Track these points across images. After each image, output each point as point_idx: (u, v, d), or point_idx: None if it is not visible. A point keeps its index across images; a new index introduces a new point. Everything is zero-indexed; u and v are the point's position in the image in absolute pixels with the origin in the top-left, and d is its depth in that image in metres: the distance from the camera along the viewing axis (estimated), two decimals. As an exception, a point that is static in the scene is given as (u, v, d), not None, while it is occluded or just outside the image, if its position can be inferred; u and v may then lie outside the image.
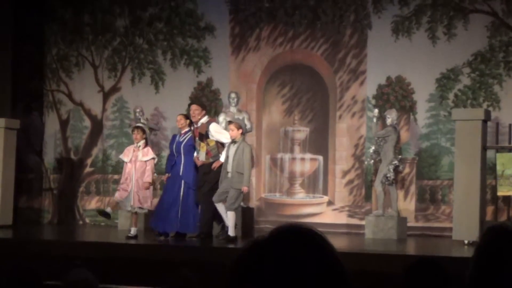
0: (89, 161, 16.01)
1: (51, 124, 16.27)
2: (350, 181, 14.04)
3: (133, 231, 11.95)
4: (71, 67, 16.24)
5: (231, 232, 11.27)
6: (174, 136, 12.45)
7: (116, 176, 15.71)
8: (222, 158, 11.66)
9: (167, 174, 12.28)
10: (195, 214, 11.91)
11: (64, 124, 16.22)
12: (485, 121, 11.92)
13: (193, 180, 12.00)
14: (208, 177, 11.71)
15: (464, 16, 13.44)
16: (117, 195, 12.36)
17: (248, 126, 13.46)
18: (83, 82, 16.12)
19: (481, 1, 13.35)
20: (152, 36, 15.67)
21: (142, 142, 12.29)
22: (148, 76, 15.61)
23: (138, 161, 12.16)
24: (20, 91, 15.93)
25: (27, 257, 9.20)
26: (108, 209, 12.78)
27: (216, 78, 15.08)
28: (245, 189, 11.42)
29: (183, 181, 11.95)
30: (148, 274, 9.25)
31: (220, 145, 11.82)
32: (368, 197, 13.89)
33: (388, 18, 13.94)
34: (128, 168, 12.26)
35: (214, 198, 11.49)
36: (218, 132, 11.86)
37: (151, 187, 12.26)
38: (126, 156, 12.36)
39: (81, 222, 15.82)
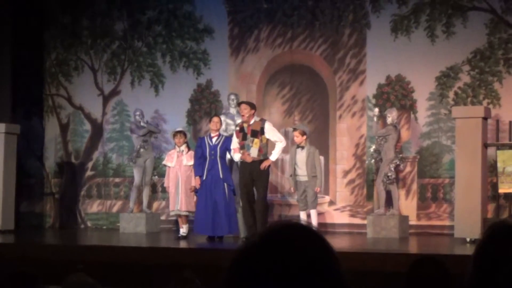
0: (90, 164, 15.99)
1: (51, 129, 16.26)
2: (352, 181, 14.03)
3: (185, 229, 12.27)
4: (70, 71, 16.23)
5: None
6: (202, 139, 12.30)
7: (117, 179, 15.72)
8: (272, 158, 11.80)
9: (197, 178, 12.04)
10: (236, 215, 12.06)
11: (64, 128, 16.21)
12: (485, 119, 11.91)
13: (232, 182, 12.09)
14: (258, 177, 11.65)
15: (463, 14, 13.42)
16: (172, 207, 12.46)
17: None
18: (82, 86, 16.11)
19: (479, -2, 13.35)
20: (151, 39, 15.67)
21: (184, 147, 12.40)
22: (148, 79, 15.60)
23: (183, 166, 12.26)
24: (19, 96, 15.93)
25: (29, 261, 9.17)
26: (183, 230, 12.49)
27: (216, 80, 15.08)
28: (317, 189, 12.01)
29: (225, 184, 11.92)
30: (152, 277, 9.24)
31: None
32: (369, 197, 13.88)
33: (386, 17, 13.92)
34: (173, 173, 12.36)
35: (300, 207, 12.00)
36: (273, 130, 12.00)
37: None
38: (170, 161, 12.46)
39: (82, 226, 15.81)
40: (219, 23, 15.13)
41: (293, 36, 14.64)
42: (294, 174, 12.07)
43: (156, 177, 14.68)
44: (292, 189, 12.38)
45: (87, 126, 16.08)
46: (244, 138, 11.79)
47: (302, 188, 11.98)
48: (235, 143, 11.90)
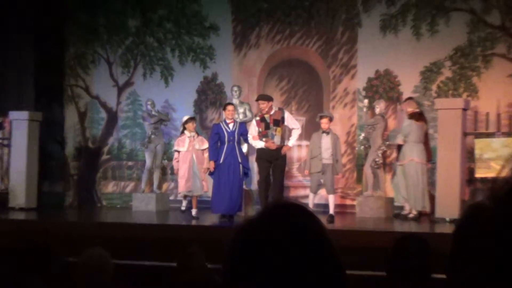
0: (105, 149, 16.00)
1: (71, 116, 16.26)
2: (343, 166, 14.01)
3: (195, 212, 12.02)
4: (88, 64, 16.22)
5: (332, 212, 11.39)
6: (218, 126, 11.74)
7: (130, 163, 15.73)
8: (290, 144, 11.54)
9: (212, 162, 11.56)
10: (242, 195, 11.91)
11: (82, 116, 16.22)
12: (465, 110, 11.90)
13: (249, 165, 11.89)
14: (278, 162, 11.39)
15: (446, 14, 13.40)
16: (183, 189, 12.15)
17: (249, 116, 13.43)
18: (99, 77, 16.11)
19: (461, 0, 13.33)
20: (161, 35, 15.64)
21: (194, 132, 12.26)
22: (158, 71, 15.59)
23: (196, 150, 12.13)
24: (42, 86, 15.91)
25: (50, 237, 9.18)
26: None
27: (220, 73, 15.06)
28: (340, 175, 11.78)
29: (241, 167, 11.54)
30: (161, 251, 9.25)
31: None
32: (359, 180, 13.89)
33: (376, 17, 13.90)
34: (186, 157, 12.10)
35: (314, 190, 11.55)
36: (292, 118, 11.77)
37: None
38: (182, 145, 12.19)
39: (99, 205, 15.83)
40: (223, 21, 15.11)
41: (291, 33, 14.61)
42: (320, 157, 11.53)
43: (166, 161, 14.69)
44: (306, 171, 11.78)
45: (103, 114, 16.08)
46: (266, 127, 11.47)
47: (321, 172, 11.47)
48: (254, 131, 11.52)
